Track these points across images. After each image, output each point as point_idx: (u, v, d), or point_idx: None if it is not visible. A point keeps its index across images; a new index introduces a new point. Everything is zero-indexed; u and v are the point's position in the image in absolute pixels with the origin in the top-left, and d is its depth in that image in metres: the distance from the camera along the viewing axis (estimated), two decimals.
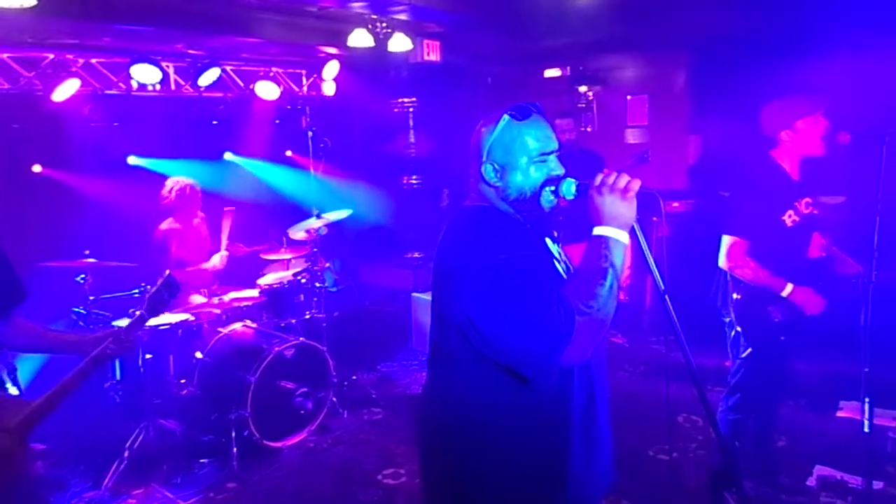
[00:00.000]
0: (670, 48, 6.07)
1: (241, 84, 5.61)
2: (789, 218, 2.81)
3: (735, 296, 2.89)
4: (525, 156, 1.59)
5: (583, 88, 6.50)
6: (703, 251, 3.16)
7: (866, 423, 2.60)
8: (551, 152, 1.62)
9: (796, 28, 4.67)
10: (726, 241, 2.82)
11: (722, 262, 2.85)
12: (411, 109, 6.77)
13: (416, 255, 6.67)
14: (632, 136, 6.50)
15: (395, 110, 6.80)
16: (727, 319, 2.98)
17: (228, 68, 5.51)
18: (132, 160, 5.27)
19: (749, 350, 2.89)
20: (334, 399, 4.21)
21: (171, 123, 5.38)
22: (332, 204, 4.86)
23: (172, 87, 5.20)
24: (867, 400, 2.61)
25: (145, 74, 4.72)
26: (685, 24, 5.32)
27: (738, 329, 2.91)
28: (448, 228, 1.64)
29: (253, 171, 6.09)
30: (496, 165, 1.61)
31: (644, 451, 3.64)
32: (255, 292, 4.36)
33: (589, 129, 6.55)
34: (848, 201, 4.56)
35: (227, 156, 5.92)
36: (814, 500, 3.13)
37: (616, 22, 5.12)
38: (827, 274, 3.02)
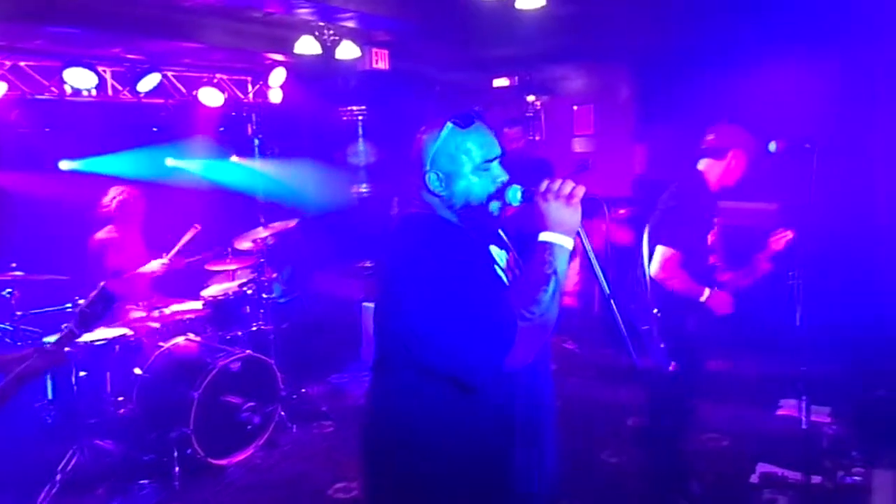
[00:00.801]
0: (615, 59, 6.23)
1: (184, 90, 5.44)
2: (711, 236, 2.97)
3: (655, 311, 2.96)
4: (470, 163, 1.59)
5: (531, 98, 6.60)
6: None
7: (803, 420, 2.69)
8: (494, 158, 1.62)
9: (734, 41, 4.87)
10: (662, 252, 2.87)
11: (655, 271, 2.90)
12: (360, 118, 6.71)
13: (367, 264, 6.59)
14: (579, 145, 6.62)
15: (344, 118, 6.73)
16: (645, 327, 3.01)
17: (170, 74, 5.33)
18: (64, 165, 5.03)
19: (673, 363, 2.92)
20: (283, 413, 4.10)
21: (109, 130, 5.17)
22: (280, 213, 4.76)
23: (109, 92, 4.99)
24: (804, 398, 2.71)
25: (79, 79, 4.52)
26: (629, 37, 5.47)
27: (662, 345, 2.95)
28: (390, 237, 1.62)
29: (196, 179, 5.90)
30: (440, 174, 1.60)
31: (595, 455, 3.68)
32: (198, 304, 4.21)
33: (537, 138, 6.64)
34: (781, 207, 4.76)
35: (170, 162, 5.71)
36: (757, 497, 3.22)
37: (563, 33, 5.23)
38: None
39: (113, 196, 4.12)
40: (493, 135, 1.64)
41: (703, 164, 2.97)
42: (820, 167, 2.64)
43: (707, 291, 2.89)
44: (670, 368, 2.93)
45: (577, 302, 5.20)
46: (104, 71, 4.89)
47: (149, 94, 5.04)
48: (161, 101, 5.34)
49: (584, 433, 3.82)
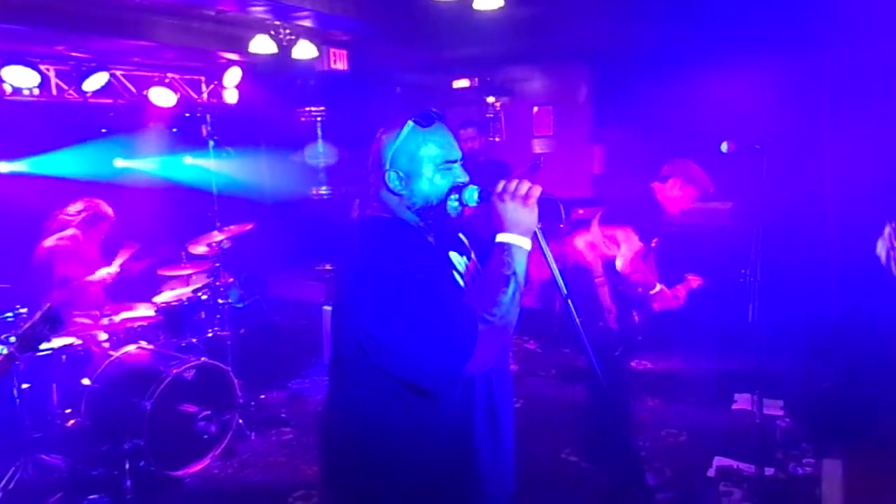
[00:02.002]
0: (574, 61, 6.31)
1: (133, 90, 5.27)
2: (653, 242, 3.19)
3: (608, 311, 3.15)
4: (430, 163, 1.58)
5: (490, 99, 6.62)
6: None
7: (757, 414, 2.76)
8: (455, 160, 1.61)
9: (689, 45, 4.98)
10: (630, 246, 3.03)
11: (621, 266, 3.06)
12: (319, 119, 6.63)
13: (327, 266, 6.51)
14: (538, 146, 6.67)
15: (303, 119, 6.64)
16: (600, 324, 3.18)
17: (118, 73, 5.16)
18: (2, 167, 4.80)
19: (621, 349, 3.17)
20: (241, 421, 4.00)
21: (53, 131, 4.97)
22: (236, 216, 4.65)
23: (54, 91, 4.80)
24: (757, 393, 2.78)
25: (19, 77, 4.32)
26: (587, 39, 5.55)
27: (615, 329, 3.18)
28: (348, 239, 1.59)
29: (147, 180, 5.72)
30: (400, 173, 1.58)
31: (555, 454, 3.70)
32: (150, 311, 4.07)
33: (497, 139, 6.66)
34: (735, 206, 4.88)
35: (119, 163, 5.51)
36: (713, 490, 3.28)
37: (522, 34, 5.26)
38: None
39: (80, 209, 3.95)
40: (453, 136, 1.63)
41: (655, 184, 3.21)
42: (769, 167, 2.72)
43: (658, 286, 3.14)
44: (616, 353, 3.17)
45: (538, 302, 5.29)
46: (47, 69, 4.71)
47: (96, 93, 4.87)
48: (110, 101, 5.17)
49: (544, 432, 3.84)
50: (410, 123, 1.59)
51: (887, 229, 2.53)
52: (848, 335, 4.14)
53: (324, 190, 6.67)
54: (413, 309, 1.40)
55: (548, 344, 5.43)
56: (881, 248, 2.56)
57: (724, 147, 2.76)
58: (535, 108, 6.70)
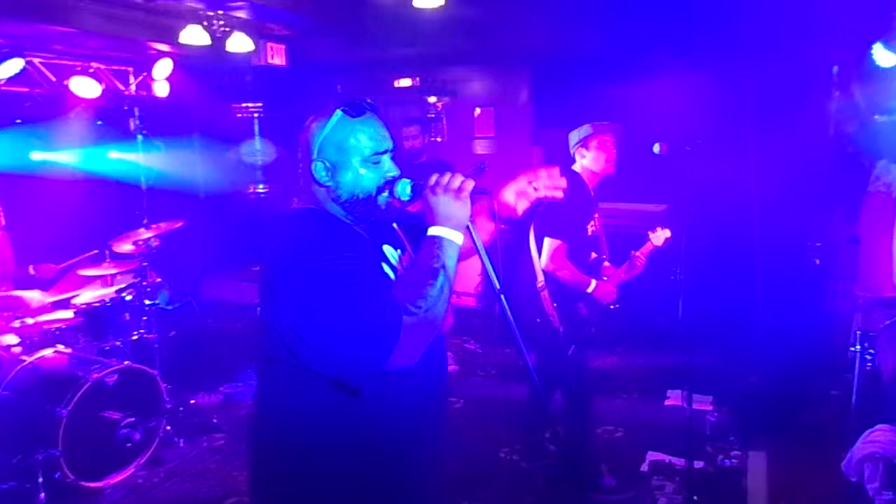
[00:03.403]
0: (514, 63, 6.36)
1: (53, 79, 4.96)
2: (591, 227, 3.23)
3: (553, 304, 3.15)
4: (358, 155, 1.53)
5: (432, 99, 6.60)
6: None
7: (687, 409, 2.84)
8: (385, 152, 1.56)
9: (626, 50, 5.10)
10: (550, 244, 3.08)
11: (545, 263, 3.10)
12: (257, 115, 6.44)
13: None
14: (480, 147, 6.70)
15: (239, 115, 6.43)
16: (538, 320, 3.17)
17: (36, 60, 4.84)
18: None
19: (573, 347, 3.16)
20: (168, 427, 3.82)
21: None
22: (166, 213, 4.44)
23: None
24: (687, 388, 2.86)
25: None
26: (528, 42, 5.60)
27: (561, 330, 3.15)
28: (272, 233, 1.53)
29: (68, 175, 5.38)
30: (327, 164, 1.53)
31: (494, 453, 3.70)
32: (69, 313, 3.83)
33: (439, 140, 6.65)
34: (669, 209, 5.03)
35: (36, 156, 5.17)
36: (646, 485, 3.35)
37: (463, 36, 5.27)
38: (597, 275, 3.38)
39: None
40: (385, 127, 1.59)
41: (576, 166, 3.23)
42: (698, 169, 2.80)
43: (594, 283, 3.16)
44: (569, 353, 3.15)
45: (478, 302, 5.28)
46: None
47: (10, 81, 4.54)
48: (26, 89, 4.84)
49: (483, 432, 3.84)
50: (340, 112, 1.53)
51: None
52: (771, 331, 4.33)
53: (261, 188, 6.49)
54: (333, 301, 1.35)
55: (488, 344, 5.45)
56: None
57: (656, 149, 2.84)
58: (478, 110, 6.72)
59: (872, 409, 3.01)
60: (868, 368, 3.21)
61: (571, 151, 3.24)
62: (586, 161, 3.20)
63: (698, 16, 4.38)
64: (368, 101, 1.59)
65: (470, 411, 4.28)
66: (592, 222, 3.25)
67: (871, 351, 3.21)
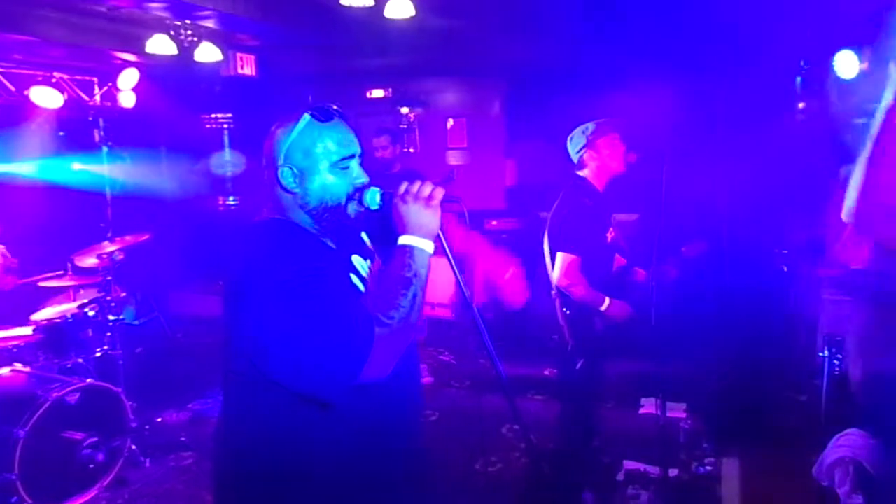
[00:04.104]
0: (487, 75, 6.40)
1: (13, 88, 4.82)
2: (610, 234, 2.99)
3: (565, 311, 2.98)
4: (326, 160, 1.49)
5: (405, 110, 6.60)
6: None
7: (661, 416, 2.84)
8: (352, 156, 1.53)
9: (598, 62, 5.17)
10: (562, 258, 2.87)
11: (557, 279, 2.90)
12: (226, 126, 6.35)
13: None
14: (452, 158, 6.71)
15: (208, 126, 6.34)
16: (554, 337, 3.05)
17: None
18: None
19: (581, 362, 2.98)
20: (133, 447, 3.69)
21: None
22: (132, 226, 4.33)
23: None
24: (661, 396, 2.86)
25: None
26: (500, 55, 5.65)
27: (570, 343, 2.98)
28: (236, 245, 1.48)
29: (29, 186, 5.22)
30: (295, 170, 1.48)
31: (470, 465, 3.65)
32: (27, 330, 3.69)
33: (412, 150, 6.64)
34: (641, 217, 5.08)
35: None
36: (622, 493, 3.34)
37: (436, 47, 5.27)
38: (627, 283, 3.29)
39: None
40: (352, 133, 1.55)
41: (582, 171, 3.02)
42: (669, 177, 2.82)
43: (607, 301, 2.90)
44: (578, 367, 2.97)
45: (452, 313, 5.25)
46: None
47: None
48: None
49: (458, 444, 3.79)
50: (307, 117, 1.49)
51: None
52: (740, 338, 4.38)
53: (231, 200, 6.39)
54: (302, 315, 1.31)
55: (463, 355, 5.41)
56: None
57: (629, 158, 2.86)
58: (450, 121, 6.73)
59: (841, 414, 3.04)
60: (836, 373, 3.25)
61: (575, 157, 3.03)
62: (598, 163, 2.97)
63: (669, 29, 4.46)
64: (335, 106, 1.56)
65: (444, 423, 4.23)
66: (611, 228, 3.01)
67: (839, 356, 3.25)
